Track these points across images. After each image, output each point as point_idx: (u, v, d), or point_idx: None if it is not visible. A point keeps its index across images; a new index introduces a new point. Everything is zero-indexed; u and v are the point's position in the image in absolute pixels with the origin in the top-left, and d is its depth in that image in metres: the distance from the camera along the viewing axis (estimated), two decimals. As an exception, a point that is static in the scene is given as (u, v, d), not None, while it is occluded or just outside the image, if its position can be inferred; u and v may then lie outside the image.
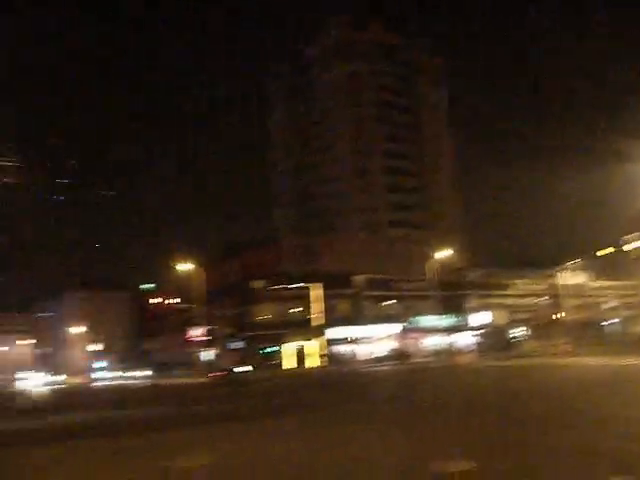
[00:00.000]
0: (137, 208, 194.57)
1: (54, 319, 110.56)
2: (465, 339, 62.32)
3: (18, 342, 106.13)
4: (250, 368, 45.98)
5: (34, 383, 57.47)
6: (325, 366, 51.89)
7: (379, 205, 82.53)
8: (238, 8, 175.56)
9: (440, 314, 58.17)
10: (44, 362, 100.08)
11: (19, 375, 66.25)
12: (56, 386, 51.91)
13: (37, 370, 73.53)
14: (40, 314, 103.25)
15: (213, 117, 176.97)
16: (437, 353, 56.90)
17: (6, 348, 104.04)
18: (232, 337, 59.59)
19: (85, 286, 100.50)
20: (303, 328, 56.27)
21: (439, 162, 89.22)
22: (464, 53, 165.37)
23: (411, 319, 60.97)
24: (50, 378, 73.37)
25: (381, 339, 58.88)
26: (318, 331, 56.05)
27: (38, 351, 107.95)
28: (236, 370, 43.47)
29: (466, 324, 63.25)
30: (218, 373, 42.07)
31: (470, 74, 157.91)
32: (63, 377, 75.47)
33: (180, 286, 61.72)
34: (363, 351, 57.97)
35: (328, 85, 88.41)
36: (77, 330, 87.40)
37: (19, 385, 56.38)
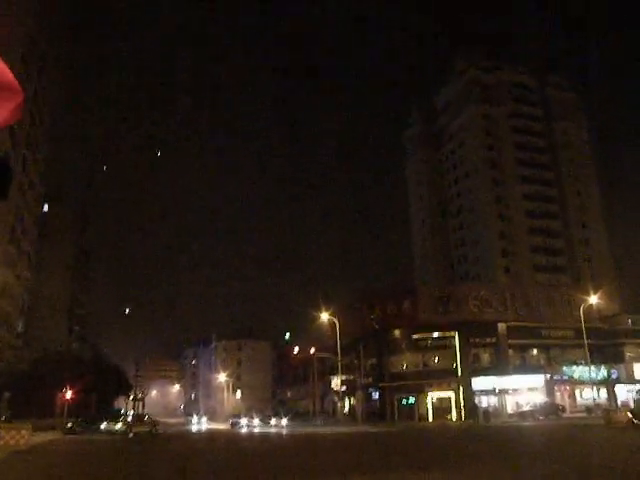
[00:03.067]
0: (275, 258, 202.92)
1: (201, 366, 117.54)
2: (624, 393, 56.94)
3: (171, 387, 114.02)
4: None
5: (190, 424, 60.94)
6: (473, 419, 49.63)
7: (522, 249, 79.43)
8: (364, 61, 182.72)
9: (593, 364, 53.74)
10: (191, 406, 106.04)
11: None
12: (204, 428, 54.37)
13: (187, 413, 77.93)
14: (188, 361, 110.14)
15: (352, 168, 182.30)
16: (592, 408, 52.28)
17: (154, 392, 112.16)
18: (370, 386, 59.29)
19: (229, 336, 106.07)
20: (447, 378, 54.66)
21: (584, 202, 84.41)
22: (603, 86, 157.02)
23: (561, 369, 57.04)
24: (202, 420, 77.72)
25: (529, 390, 55.48)
26: (463, 381, 54.14)
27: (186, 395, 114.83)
28: None
29: (624, 376, 57.85)
30: None
31: (613, 107, 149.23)
32: (206, 421, 79.34)
33: (317, 335, 62.93)
34: (510, 403, 54.90)
35: (460, 130, 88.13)
36: (221, 377, 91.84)
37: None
